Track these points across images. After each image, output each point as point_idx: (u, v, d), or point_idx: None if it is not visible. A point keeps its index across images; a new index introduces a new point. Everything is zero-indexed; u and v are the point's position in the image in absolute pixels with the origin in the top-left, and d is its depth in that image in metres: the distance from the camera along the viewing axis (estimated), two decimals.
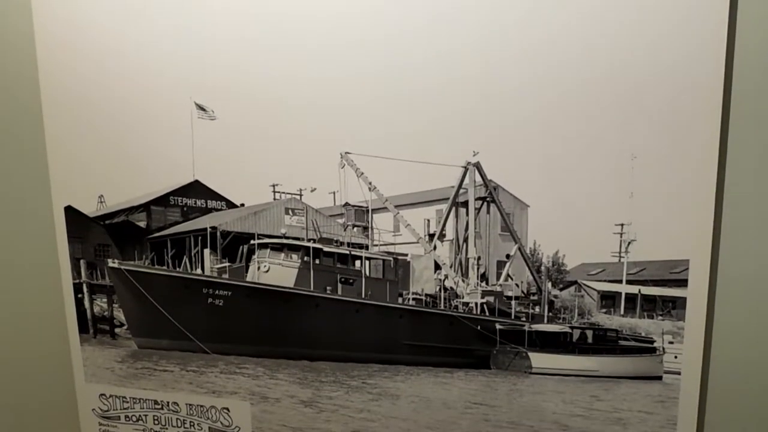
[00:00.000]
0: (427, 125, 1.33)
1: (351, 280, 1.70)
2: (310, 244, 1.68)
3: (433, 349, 1.63)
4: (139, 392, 1.69)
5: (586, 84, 1.21)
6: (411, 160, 1.35)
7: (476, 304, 1.62)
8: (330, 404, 1.56)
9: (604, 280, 1.44)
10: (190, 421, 1.66)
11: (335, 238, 1.67)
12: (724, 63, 1.11)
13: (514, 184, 1.37)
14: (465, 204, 1.55)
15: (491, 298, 1.60)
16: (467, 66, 1.27)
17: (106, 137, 1.57)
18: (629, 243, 1.30)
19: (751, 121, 1.14)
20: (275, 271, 1.69)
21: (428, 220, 1.60)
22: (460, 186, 1.49)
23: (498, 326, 1.60)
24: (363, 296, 1.69)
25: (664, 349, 1.38)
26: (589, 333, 1.54)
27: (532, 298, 1.55)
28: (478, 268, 1.59)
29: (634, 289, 1.45)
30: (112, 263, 1.69)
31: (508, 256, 1.54)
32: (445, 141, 1.34)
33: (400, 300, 1.66)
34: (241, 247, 1.68)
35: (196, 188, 1.58)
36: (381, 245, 1.64)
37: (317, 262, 1.70)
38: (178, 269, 1.70)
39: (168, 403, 1.67)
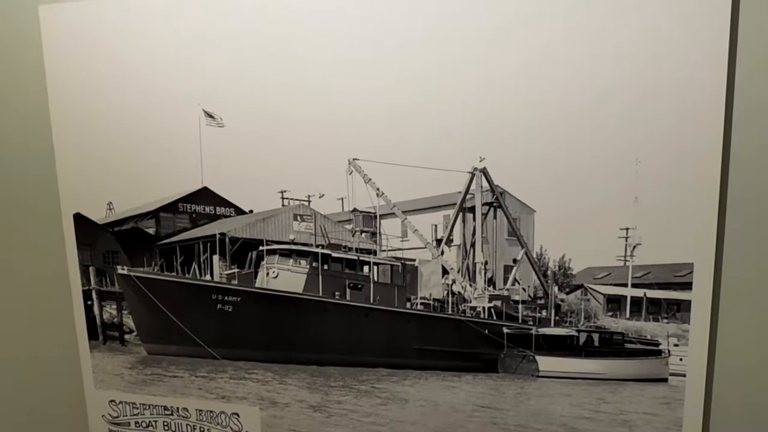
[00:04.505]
0: (434, 131, 1.35)
1: (359, 286, 1.71)
2: (319, 250, 1.68)
3: (441, 353, 1.63)
4: (148, 398, 1.70)
5: (590, 89, 1.23)
6: (418, 166, 1.36)
7: (484, 308, 1.62)
8: (339, 409, 1.57)
9: (610, 284, 1.45)
10: (200, 427, 1.67)
11: (343, 244, 1.67)
12: (727, 67, 1.13)
13: (520, 190, 1.38)
14: (472, 209, 1.56)
15: (498, 303, 1.60)
16: (473, 72, 1.28)
17: (114, 145, 1.58)
18: (634, 247, 1.31)
19: (754, 124, 1.16)
20: (284, 277, 1.70)
21: (435, 226, 1.60)
22: (467, 191, 1.50)
23: (505, 330, 1.60)
24: (371, 301, 1.70)
25: (669, 351, 1.39)
26: (596, 336, 1.55)
27: (538, 302, 1.56)
28: (485, 273, 1.59)
29: (639, 292, 1.45)
30: (122, 270, 1.70)
31: (514, 261, 1.55)
32: (451, 147, 1.35)
33: (408, 305, 1.66)
34: (249, 253, 1.68)
35: (204, 195, 1.58)
36: (389, 251, 1.65)
37: (326, 267, 1.70)
38: (187, 275, 1.71)
39: (178, 408, 1.68)
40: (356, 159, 1.42)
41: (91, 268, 1.70)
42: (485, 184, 1.43)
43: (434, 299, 1.64)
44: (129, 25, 1.46)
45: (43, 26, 1.52)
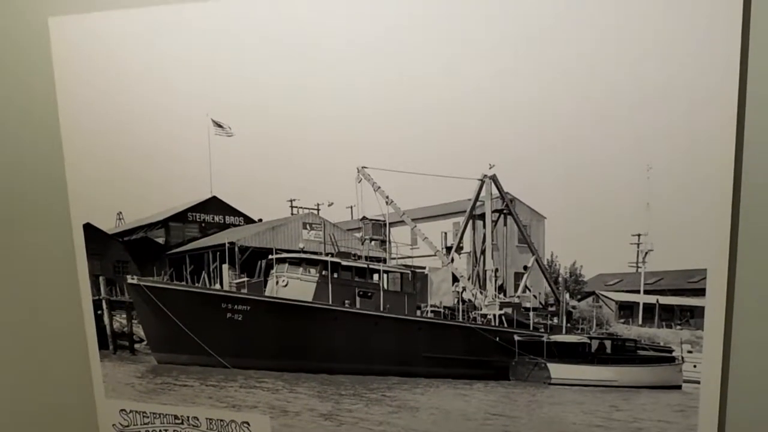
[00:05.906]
0: (443, 139, 1.35)
1: (369, 294, 1.70)
2: (328, 258, 1.68)
3: (452, 361, 1.63)
4: (159, 407, 1.70)
5: (601, 95, 1.23)
6: (427, 174, 1.36)
7: (494, 315, 1.62)
8: (350, 417, 1.57)
9: (622, 291, 1.44)
10: None
11: (353, 252, 1.67)
12: (739, 71, 1.12)
13: (530, 196, 1.38)
14: (482, 216, 1.56)
15: (509, 310, 1.60)
16: (483, 79, 1.28)
17: (123, 155, 1.59)
18: (646, 253, 1.31)
19: (767, 128, 1.15)
20: (294, 286, 1.70)
21: (445, 233, 1.60)
22: (476, 199, 1.49)
23: (516, 337, 1.59)
24: (381, 309, 1.69)
25: (683, 358, 1.38)
26: (608, 343, 1.54)
27: (550, 309, 1.55)
28: (495, 280, 1.59)
29: (651, 299, 1.45)
30: (131, 279, 1.70)
31: (525, 268, 1.54)
32: (461, 154, 1.35)
33: (418, 313, 1.66)
34: (259, 262, 1.68)
35: (213, 204, 1.59)
36: (399, 258, 1.65)
37: (335, 276, 1.70)
38: (196, 285, 1.71)
39: (188, 417, 1.68)
40: (365, 167, 1.42)
41: (101, 278, 1.71)
42: (495, 191, 1.43)
43: (444, 307, 1.64)
44: (137, 37, 1.47)
45: (53, 38, 1.53)
